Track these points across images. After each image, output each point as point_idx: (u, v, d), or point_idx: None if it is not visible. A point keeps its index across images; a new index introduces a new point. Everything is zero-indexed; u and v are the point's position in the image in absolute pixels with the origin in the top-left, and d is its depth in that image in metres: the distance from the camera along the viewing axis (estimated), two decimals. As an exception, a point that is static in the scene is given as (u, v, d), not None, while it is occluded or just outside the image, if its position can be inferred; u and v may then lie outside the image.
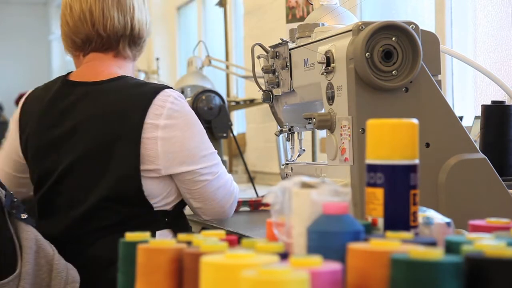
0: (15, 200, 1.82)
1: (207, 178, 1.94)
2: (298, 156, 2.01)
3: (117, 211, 1.88)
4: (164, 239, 1.04)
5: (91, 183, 1.89)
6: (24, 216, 1.80)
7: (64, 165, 1.92)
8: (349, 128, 1.53)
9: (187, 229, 2.00)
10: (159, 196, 1.91)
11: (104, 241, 1.88)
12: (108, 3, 1.99)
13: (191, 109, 1.97)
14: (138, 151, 1.86)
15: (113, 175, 1.87)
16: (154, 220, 1.90)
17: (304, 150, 2.02)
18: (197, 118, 1.97)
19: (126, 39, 2.01)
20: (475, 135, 2.25)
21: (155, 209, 1.90)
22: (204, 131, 1.98)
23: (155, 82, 4.07)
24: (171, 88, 1.96)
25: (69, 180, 1.92)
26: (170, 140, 1.88)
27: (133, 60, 2.07)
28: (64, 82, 2.00)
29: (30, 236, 1.78)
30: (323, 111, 1.68)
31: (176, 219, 1.96)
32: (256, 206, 2.66)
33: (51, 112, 1.96)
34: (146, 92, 1.91)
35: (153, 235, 1.87)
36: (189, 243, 1.05)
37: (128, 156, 1.86)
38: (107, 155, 1.87)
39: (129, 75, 2.00)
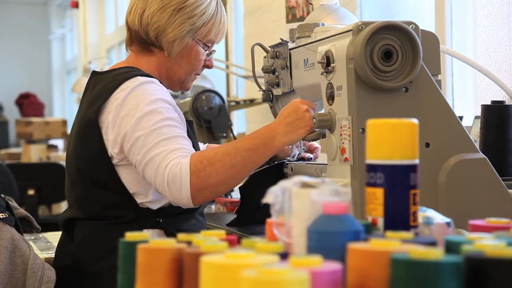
0: None
1: (136, 159, 1.78)
2: (298, 154, 2.01)
3: (98, 195, 1.86)
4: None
5: (71, 166, 1.92)
6: (3, 215, 1.81)
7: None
8: (349, 128, 1.53)
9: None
10: (134, 186, 1.85)
11: (88, 235, 1.88)
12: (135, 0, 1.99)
13: (151, 92, 1.82)
14: (100, 135, 1.83)
15: (84, 157, 1.87)
16: (139, 216, 1.85)
17: (304, 149, 2.03)
18: (154, 98, 1.81)
19: (136, 36, 1.98)
20: (475, 135, 2.24)
21: (140, 205, 1.85)
22: (155, 109, 1.80)
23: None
24: (154, 78, 1.87)
25: (67, 166, 1.97)
26: (115, 123, 1.81)
27: (156, 57, 1.96)
28: (92, 72, 2.03)
29: (6, 236, 1.79)
30: (323, 111, 1.68)
31: (174, 222, 1.88)
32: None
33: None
34: (120, 79, 1.86)
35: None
36: (189, 243, 1.05)
37: (92, 140, 1.84)
38: (81, 139, 1.88)
39: (141, 68, 1.94)
